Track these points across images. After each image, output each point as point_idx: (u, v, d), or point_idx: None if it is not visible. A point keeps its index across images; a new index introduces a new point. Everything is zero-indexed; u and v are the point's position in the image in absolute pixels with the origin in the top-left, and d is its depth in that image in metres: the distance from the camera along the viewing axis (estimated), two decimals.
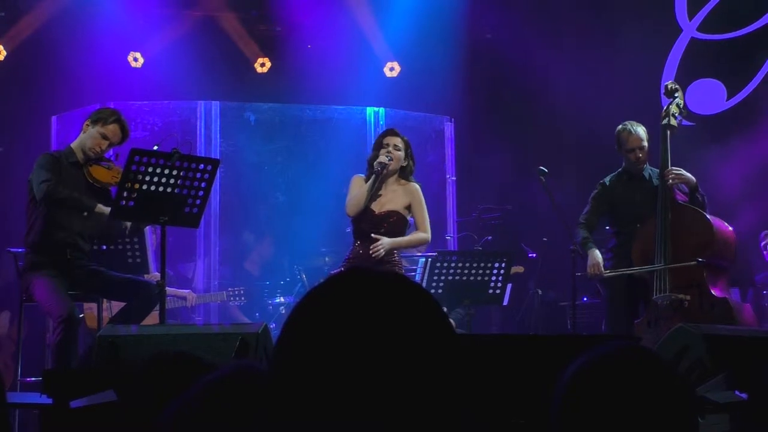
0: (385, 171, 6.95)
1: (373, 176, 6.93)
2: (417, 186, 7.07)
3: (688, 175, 7.29)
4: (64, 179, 6.45)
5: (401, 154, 7.01)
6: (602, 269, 7.24)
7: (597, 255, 7.25)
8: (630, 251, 7.30)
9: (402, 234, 7.06)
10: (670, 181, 7.24)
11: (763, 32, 9.63)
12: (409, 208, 7.02)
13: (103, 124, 6.53)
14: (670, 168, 7.27)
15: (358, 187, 7.01)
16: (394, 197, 7.01)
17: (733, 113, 9.76)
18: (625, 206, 7.44)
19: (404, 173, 7.08)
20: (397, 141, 7.03)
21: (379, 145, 7.06)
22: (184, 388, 1.84)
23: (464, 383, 1.32)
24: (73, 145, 6.65)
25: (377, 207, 6.97)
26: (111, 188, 6.56)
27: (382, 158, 6.95)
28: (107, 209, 6.32)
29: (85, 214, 6.41)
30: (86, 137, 6.56)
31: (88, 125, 6.60)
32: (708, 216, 7.12)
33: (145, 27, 10.15)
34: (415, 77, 10.42)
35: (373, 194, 6.97)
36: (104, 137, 6.52)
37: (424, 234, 7.07)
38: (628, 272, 7.26)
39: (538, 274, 9.37)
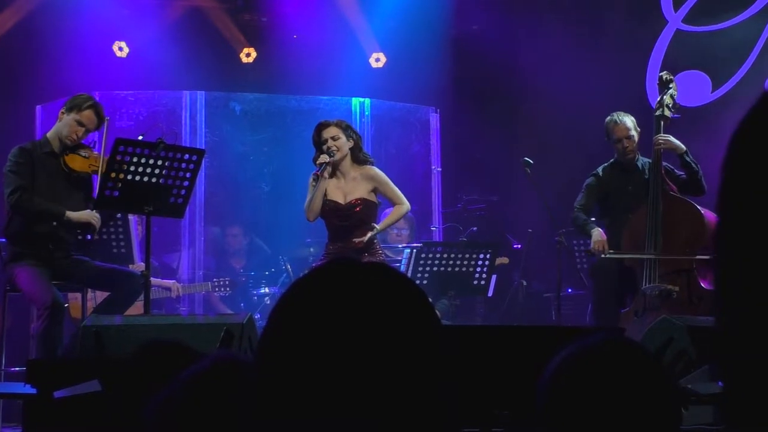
0: (328, 170, 6.84)
1: (318, 180, 6.81)
2: (375, 169, 7.00)
3: (677, 141, 7.27)
4: (37, 171, 6.41)
5: (342, 141, 6.87)
6: (607, 246, 7.19)
7: (601, 232, 7.22)
8: (620, 240, 7.28)
9: (373, 218, 7.01)
10: (658, 147, 7.23)
11: (748, 24, 9.64)
12: (374, 191, 6.95)
13: (78, 111, 6.47)
14: (657, 135, 7.28)
15: (310, 192, 6.93)
16: (355, 185, 6.94)
17: (718, 105, 9.77)
18: (617, 197, 7.43)
19: (355, 155, 6.97)
20: (333, 131, 6.88)
21: (317, 143, 6.92)
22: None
23: (449, 374, 1.32)
24: (49, 134, 6.60)
25: (342, 199, 6.92)
26: (93, 176, 6.53)
27: (323, 157, 6.81)
28: (76, 214, 6.31)
29: (54, 223, 6.36)
30: (62, 125, 6.51)
31: (63, 113, 6.54)
32: (700, 208, 7.10)
33: (130, 16, 10.11)
34: (400, 68, 10.40)
35: (338, 186, 6.90)
36: (80, 124, 6.47)
37: (402, 205, 7.02)
38: (627, 256, 7.22)
39: (523, 265, 9.37)
